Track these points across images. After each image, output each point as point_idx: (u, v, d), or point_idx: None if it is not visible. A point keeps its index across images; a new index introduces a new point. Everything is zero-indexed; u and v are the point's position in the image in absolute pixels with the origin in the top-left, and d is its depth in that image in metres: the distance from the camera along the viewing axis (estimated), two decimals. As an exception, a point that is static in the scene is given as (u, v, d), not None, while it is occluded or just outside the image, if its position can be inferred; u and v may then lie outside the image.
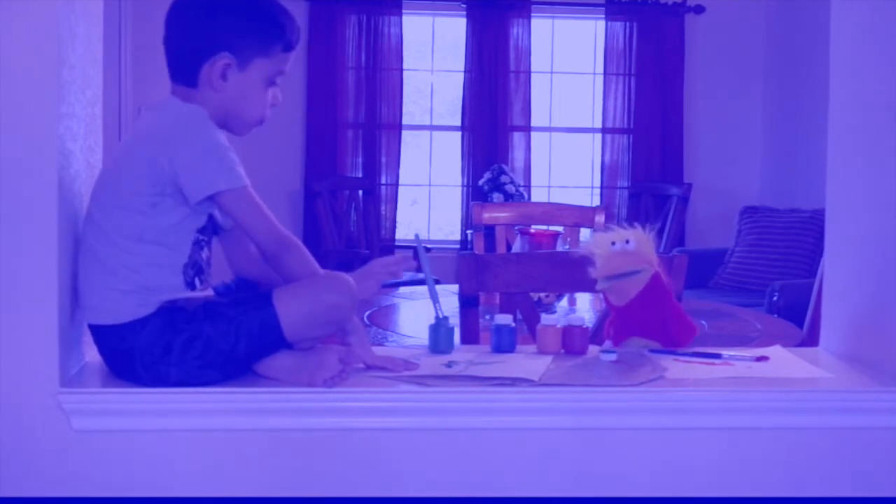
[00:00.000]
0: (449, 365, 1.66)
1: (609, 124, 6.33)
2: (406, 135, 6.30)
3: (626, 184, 6.32)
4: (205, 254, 1.60)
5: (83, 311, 1.57)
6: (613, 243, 1.78)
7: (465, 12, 6.21)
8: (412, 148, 6.44)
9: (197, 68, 1.58)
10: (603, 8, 6.25)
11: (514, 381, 1.58)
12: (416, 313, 3.23)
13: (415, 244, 1.87)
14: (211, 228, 1.61)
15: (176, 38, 1.61)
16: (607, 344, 1.84)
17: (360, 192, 6.09)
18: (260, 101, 1.62)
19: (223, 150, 1.53)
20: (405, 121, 6.24)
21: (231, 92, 1.59)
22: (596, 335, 2.14)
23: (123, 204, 1.52)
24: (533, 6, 6.23)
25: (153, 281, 1.53)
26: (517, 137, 6.27)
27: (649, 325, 1.82)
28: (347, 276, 1.59)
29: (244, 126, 1.64)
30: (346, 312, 1.58)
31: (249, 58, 1.58)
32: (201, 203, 1.53)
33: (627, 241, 1.78)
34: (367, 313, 3.04)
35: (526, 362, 1.69)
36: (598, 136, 6.39)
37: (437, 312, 1.77)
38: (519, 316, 2.18)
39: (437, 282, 1.85)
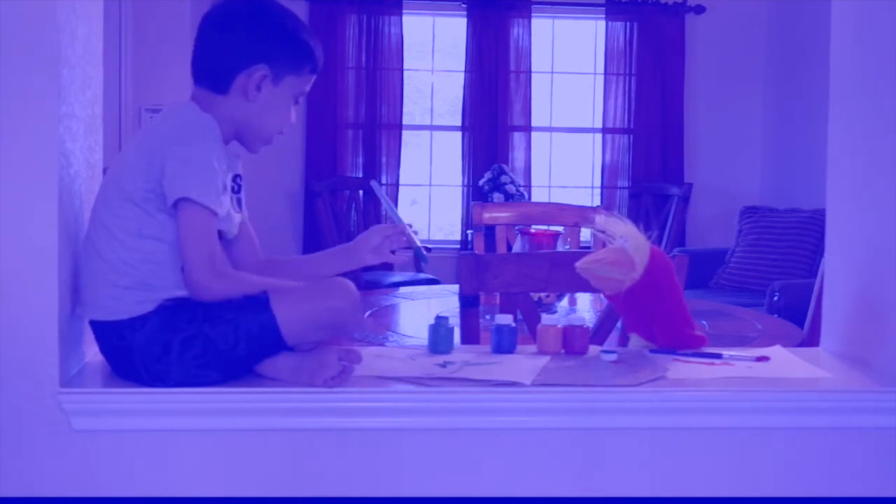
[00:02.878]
0: (444, 365, 1.66)
1: (609, 124, 6.33)
2: (406, 135, 6.30)
3: (626, 184, 6.32)
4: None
5: (84, 307, 1.58)
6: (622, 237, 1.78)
7: (465, 12, 6.21)
8: (412, 148, 6.43)
9: (232, 76, 1.60)
10: (603, 8, 6.25)
11: (505, 385, 1.58)
12: (416, 313, 3.23)
13: (373, 188, 1.92)
14: None
15: (213, 44, 1.62)
16: (610, 342, 1.83)
17: (360, 192, 6.09)
18: (284, 117, 1.65)
19: (212, 169, 1.52)
20: (405, 121, 6.24)
21: (261, 104, 1.61)
22: (596, 335, 2.14)
23: (124, 197, 1.53)
24: (533, 6, 6.23)
25: (152, 278, 1.53)
26: (517, 137, 6.27)
27: (634, 320, 1.82)
28: (349, 282, 1.59)
29: (258, 141, 1.66)
30: (348, 316, 1.58)
31: (283, 73, 1.62)
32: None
33: (626, 241, 1.77)
34: (368, 313, 3.04)
35: (521, 363, 1.69)
36: (599, 136, 6.39)
37: (395, 220, 1.78)
38: (519, 316, 2.18)
39: (436, 282, 1.86)
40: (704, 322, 2.94)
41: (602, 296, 1.90)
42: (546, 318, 1.80)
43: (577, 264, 1.78)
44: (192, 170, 1.51)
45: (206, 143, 1.54)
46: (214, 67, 1.61)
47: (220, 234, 1.64)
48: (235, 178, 1.66)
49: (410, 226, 1.78)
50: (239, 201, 1.67)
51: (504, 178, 5.95)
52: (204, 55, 1.63)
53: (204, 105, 1.60)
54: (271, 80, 1.61)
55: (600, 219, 1.81)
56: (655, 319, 1.80)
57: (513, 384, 1.58)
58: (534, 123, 6.30)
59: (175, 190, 1.50)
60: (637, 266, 1.75)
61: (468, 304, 2.21)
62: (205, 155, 1.52)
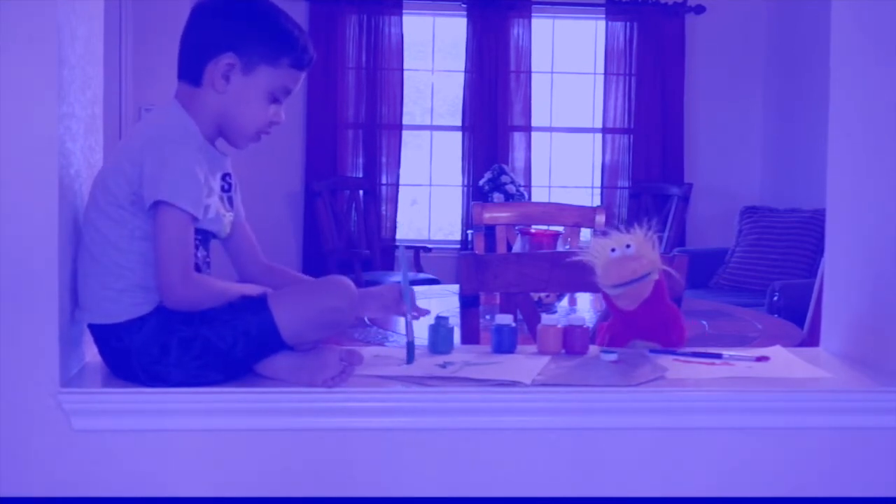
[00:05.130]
0: (444, 365, 1.66)
1: (609, 124, 6.33)
2: (406, 135, 6.30)
3: (626, 184, 6.32)
4: (200, 253, 1.59)
5: (81, 310, 1.57)
6: (613, 249, 1.76)
7: (465, 12, 6.21)
8: (412, 148, 6.44)
9: (202, 66, 1.58)
10: (603, 8, 6.25)
11: (505, 385, 1.58)
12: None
13: (399, 254, 1.81)
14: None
15: (188, 36, 1.61)
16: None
17: (361, 192, 6.09)
18: (259, 110, 1.61)
19: (191, 173, 1.51)
20: (405, 121, 6.24)
21: (232, 95, 1.59)
22: (596, 335, 2.14)
23: (111, 201, 1.53)
24: (533, 6, 6.23)
25: (147, 279, 1.53)
26: (517, 137, 6.27)
27: (653, 327, 1.81)
28: (348, 280, 1.59)
29: (240, 136, 1.63)
30: (346, 315, 1.58)
31: (255, 63, 1.58)
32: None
33: (628, 246, 1.76)
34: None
35: (522, 363, 1.68)
36: (599, 136, 6.39)
37: (407, 334, 1.70)
38: (519, 316, 2.17)
39: (436, 282, 1.84)
40: (704, 322, 2.94)
41: (603, 302, 1.89)
42: (546, 318, 1.80)
43: (609, 291, 1.76)
44: (170, 173, 1.49)
45: (183, 148, 1.53)
46: (188, 59, 1.60)
47: (213, 235, 1.63)
48: (225, 176, 1.65)
49: (416, 317, 1.72)
50: (230, 199, 1.66)
51: (504, 178, 5.95)
52: (181, 48, 1.62)
53: (184, 100, 1.60)
54: (241, 69, 1.58)
55: (594, 241, 1.80)
56: (669, 317, 1.80)
57: (513, 384, 1.58)
58: (534, 123, 6.31)
59: (152, 192, 1.49)
60: (656, 261, 1.76)
61: (468, 304, 2.21)
62: (182, 159, 1.51)
